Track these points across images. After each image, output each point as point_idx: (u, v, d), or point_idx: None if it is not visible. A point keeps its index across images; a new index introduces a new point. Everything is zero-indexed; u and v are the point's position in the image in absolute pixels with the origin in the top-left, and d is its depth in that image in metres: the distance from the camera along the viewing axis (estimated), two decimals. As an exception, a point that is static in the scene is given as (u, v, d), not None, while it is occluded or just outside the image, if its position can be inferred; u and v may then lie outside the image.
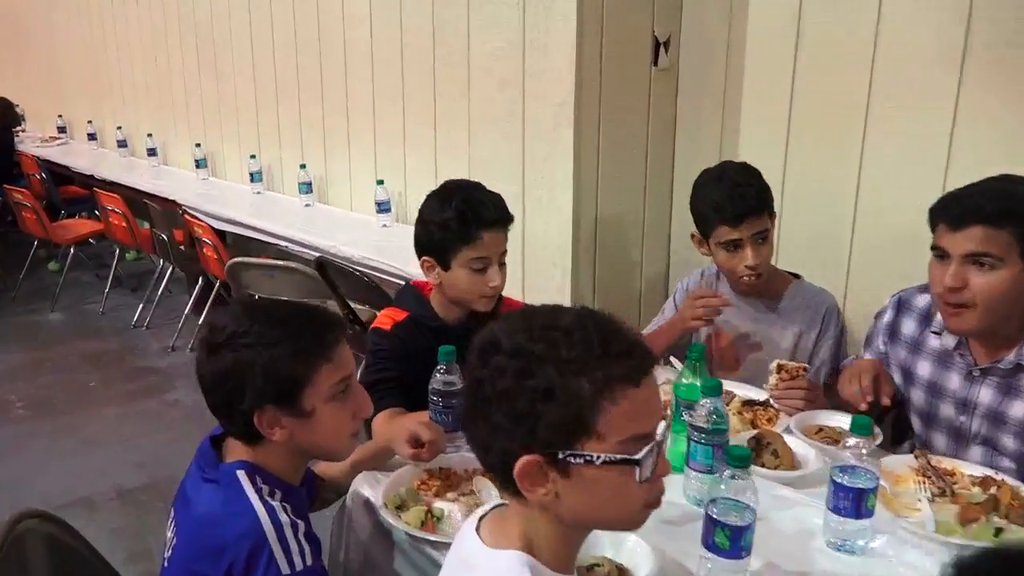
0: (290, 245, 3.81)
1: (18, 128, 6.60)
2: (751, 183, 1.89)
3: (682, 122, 2.63)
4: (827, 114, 2.26)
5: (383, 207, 3.76)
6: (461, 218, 1.74)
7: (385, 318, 1.81)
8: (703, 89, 2.56)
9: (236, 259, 3.31)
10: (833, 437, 1.55)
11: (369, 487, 1.49)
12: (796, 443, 1.52)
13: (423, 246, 1.80)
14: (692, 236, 2.03)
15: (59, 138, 6.63)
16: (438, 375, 1.55)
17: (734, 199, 1.85)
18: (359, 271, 3.02)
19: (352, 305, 3.29)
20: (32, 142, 6.50)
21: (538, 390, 0.87)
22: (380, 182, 3.75)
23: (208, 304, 4.32)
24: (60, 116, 6.74)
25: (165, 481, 3.05)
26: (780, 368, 1.68)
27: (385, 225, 3.77)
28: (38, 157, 5.96)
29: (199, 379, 1.21)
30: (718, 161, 2.51)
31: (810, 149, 2.33)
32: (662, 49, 2.54)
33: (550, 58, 2.37)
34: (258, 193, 4.58)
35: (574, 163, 2.41)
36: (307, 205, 4.23)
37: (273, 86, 4.43)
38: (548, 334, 0.89)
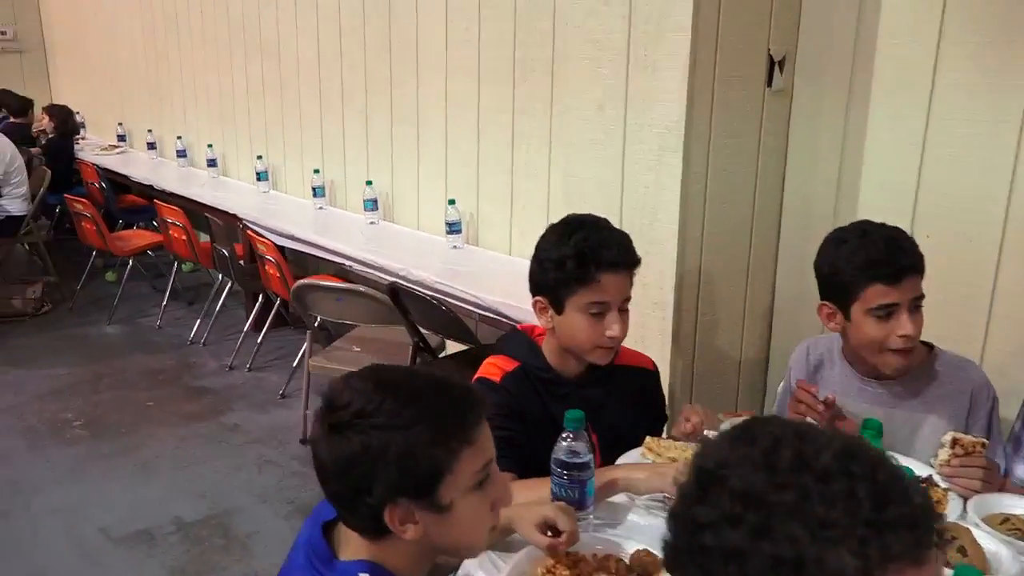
0: (354, 265, 3.67)
1: (78, 136, 6.59)
2: (907, 238, 1.63)
3: (795, 152, 2.40)
4: (972, 146, 2.02)
5: (454, 228, 3.59)
6: (579, 257, 1.55)
7: (492, 368, 1.62)
8: (820, 114, 2.34)
9: (303, 281, 3.16)
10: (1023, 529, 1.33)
11: (484, 572, 1.30)
12: (984, 537, 1.30)
13: (537, 285, 1.61)
14: (820, 309, 1.69)
15: (118, 147, 6.60)
16: (563, 443, 1.35)
17: (892, 253, 1.57)
18: (433, 297, 2.85)
19: (422, 331, 3.13)
20: (92, 150, 6.48)
21: (781, 560, 0.64)
22: (451, 202, 3.58)
23: (267, 323, 4.19)
24: (120, 124, 6.71)
25: (225, 515, 2.91)
26: (955, 442, 1.45)
27: (456, 247, 3.59)
28: (97, 165, 5.92)
29: (316, 465, 1.01)
30: (834, 198, 2.31)
31: (950, 192, 2.06)
32: (776, 68, 2.32)
33: (659, 76, 2.17)
34: (320, 208, 4.45)
35: (681, 192, 2.20)
36: (372, 223, 4.08)
37: (339, 99, 4.30)
38: (798, 478, 0.65)
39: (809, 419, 1.60)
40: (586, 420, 1.36)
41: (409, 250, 3.65)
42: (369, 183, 4.06)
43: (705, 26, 2.12)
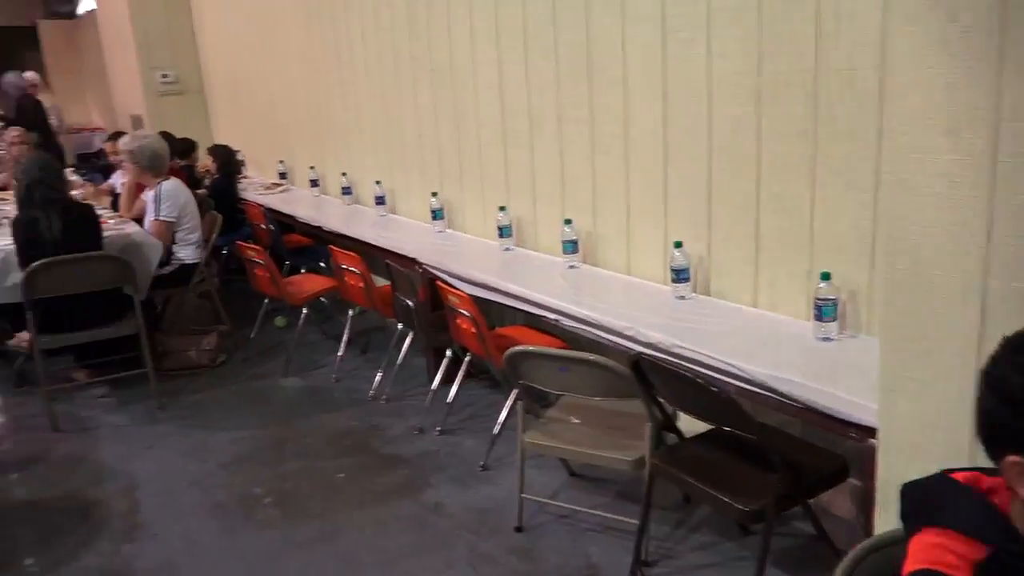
0: (560, 318, 3.21)
1: (240, 175, 6.50)
2: None
3: None
4: None
5: (681, 275, 3.06)
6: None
7: (945, 554, 1.07)
8: None
9: (519, 348, 2.71)
10: None
11: None
12: None
13: (1014, 435, 1.05)
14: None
15: (280, 184, 6.46)
16: None
17: None
18: (697, 375, 2.32)
19: (665, 407, 2.62)
20: (254, 189, 6.37)
21: None
22: (678, 244, 3.05)
23: (457, 380, 3.79)
24: (281, 162, 6.58)
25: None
26: None
27: (683, 297, 3.07)
28: (263, 206, 5.76)
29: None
30: None
31: None
32: None
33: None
34: (507, 250, 4.03)
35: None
36: (572, 266, 3.62)
37: (526, 127, 3.87)
38: None
39: None
40: None
41: (625, 301, 3.15)
42: (568, 222, 3.60)
43: None
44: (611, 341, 2.95)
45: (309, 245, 5.75)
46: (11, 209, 4.83)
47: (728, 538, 2.86)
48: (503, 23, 3.87)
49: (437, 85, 4.45)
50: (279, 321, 5.37)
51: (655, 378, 2.46)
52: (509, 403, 3.41)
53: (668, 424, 2.64)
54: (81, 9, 12.90)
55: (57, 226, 4.00)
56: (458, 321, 3.52)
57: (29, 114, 8.84)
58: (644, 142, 3.25)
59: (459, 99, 4.30)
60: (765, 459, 2.27)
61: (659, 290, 3.23)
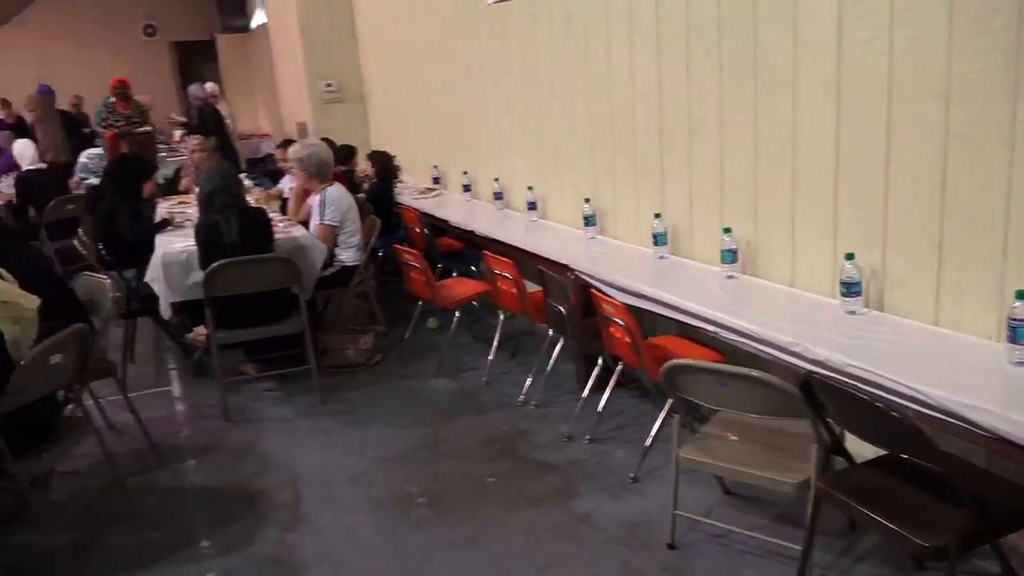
0: (718, 330, 3.10)
1: (396, 180, 6.72)
2: None
3: None
4: None
5: (852, 289, 2.89)
6: None
7: None
8: None
9: (677, 362, 2.63)
10: None
11: None
12: None
13: None
14: None
15: (434, 189, 6.64)
16: None
17: None
18: (875, 399, 2.17)
19: (834, 429, 2.47)
20: (409, 194, 6.57)
21: None
22: (849, 256, 2.88)
23: (608, 389, 3.74)
24: (435, 167, 6.75)
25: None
26: None
27: (853, 312, 2.90)
28: (418, 210, 5.93)
29: None
30: None
31: None
32: None
33: None
34: (662, 258, 3.94)
35: None
36: (730, 276, 3.49)
37: (685, 133, 3.77)
38: None
39: None
40: None
41: (788, 314, 3.01)
42: (727, 231, 3.48)
43: None
44: (773, 356, 2.83)
45: (460, 249, 5.87)
46: (193, 212, 5.22)
47: (899, 571, 2.68)
48: (664, 26, 3.79)
49: (593, 90, 4.43)
50: (431, 323, 5.51)
51: (826, 399, 2.32)
52: (662, 415, 3.33)
53: (837, 447, 2.49)
54: (253, 23, 13.82)
55: (235, 229, 4.27)
56: (611, 329, 3.48)
57: (209, 122, 9.54)
58: (813, 147, 3.09)
59: (616, 104, 4.25)
60: (949, 491, 2.10)
61: (826, 304, 3.06)
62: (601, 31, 4.24)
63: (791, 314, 3.01)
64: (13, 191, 7.61)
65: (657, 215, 3.94)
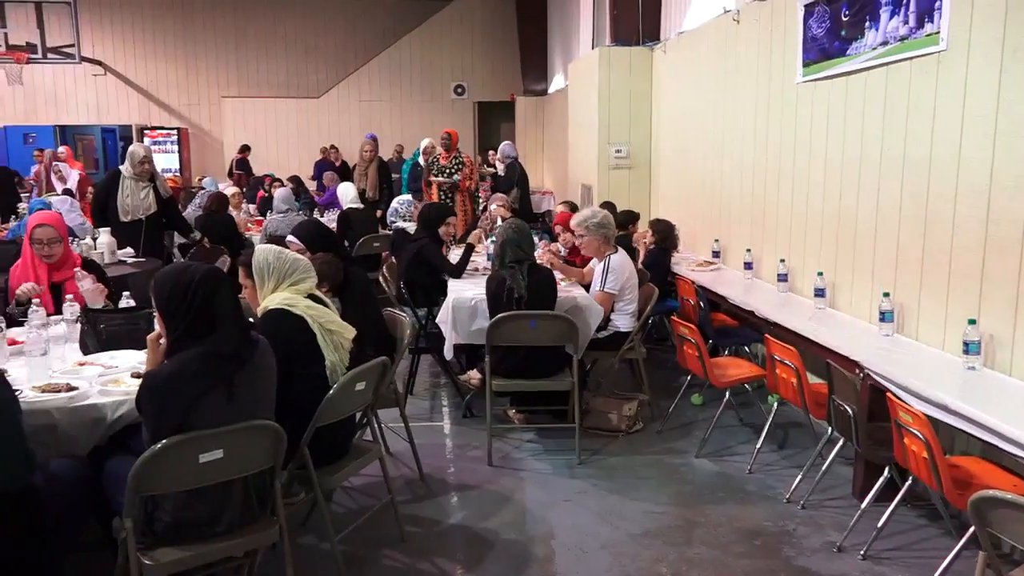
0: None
1: (675, 250, 6.70)
2: None
3: None
4: None
5: None
6: None
7: None
8: None
9: (987, 493, 2.33)
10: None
11: None
12: None
13: None
14: None
15: (713, 263, 6.54)
16: None
17: None
18: None
19: None
20: (686, 265, 6.52)
21: None
22: None
23: (893, 503, 3.40)
24: (716, 240, 6.66)
25: None
26: None
27: None
28: (695, 283, 5.86)
29: None
30: None
31: None
32: None
33: None
34: (971, 368, 3.54)
35: None
36: (1061, 402, 3.05)
37: (1019, 236, 3.38)
38: None
39: None
40: None
41: None
42: (1061, 349, 3.06)
43: None
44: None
45: (734, 327, 5.70)
46: (481, 262, 5.59)
47: None
48: (1004, 117, 3.45)
49: (908, 180, 4.13)
50: (696, 399, 5.38)
51: None
52: (958, 546, 2.96)
53: None
54: (552, 88, 14.70)
55: (523, 283, 4.49)
56: (905, 440, 3.17)
57: (517, 177, 10.35)
58: None
59: (933, 196, 3.93)
60: None
61: None
62: (926, 118, 3.95)
63: None
64: (335, 224, 8.61)
65: (971, 321, 3.55)
